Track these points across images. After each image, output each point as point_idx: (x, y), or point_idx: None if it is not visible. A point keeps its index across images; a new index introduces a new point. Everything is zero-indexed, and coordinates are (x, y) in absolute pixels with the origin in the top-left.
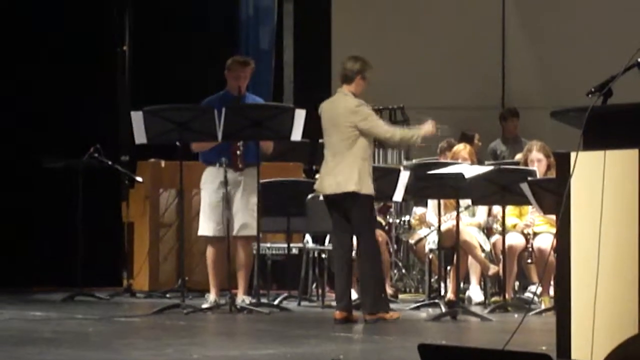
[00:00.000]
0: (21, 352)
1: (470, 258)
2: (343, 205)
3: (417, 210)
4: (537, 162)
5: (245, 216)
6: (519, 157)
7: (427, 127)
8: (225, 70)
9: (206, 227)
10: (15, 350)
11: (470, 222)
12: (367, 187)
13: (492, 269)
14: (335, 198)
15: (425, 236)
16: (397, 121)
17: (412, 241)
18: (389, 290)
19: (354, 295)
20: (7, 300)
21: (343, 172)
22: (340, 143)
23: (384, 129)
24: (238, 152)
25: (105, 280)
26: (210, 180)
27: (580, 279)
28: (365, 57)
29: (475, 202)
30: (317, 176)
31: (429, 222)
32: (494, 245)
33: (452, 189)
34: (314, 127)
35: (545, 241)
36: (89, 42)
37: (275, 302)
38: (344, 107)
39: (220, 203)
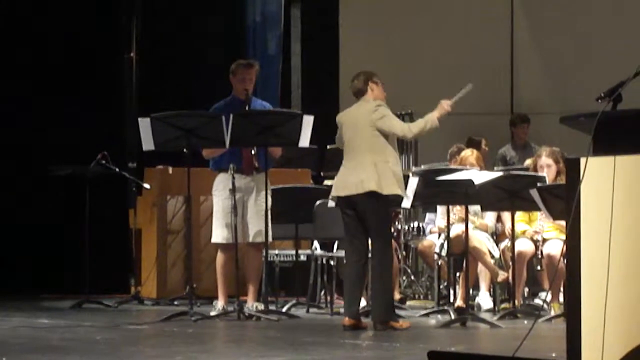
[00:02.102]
0: (29, 359)
1: (479, 264)
2: (361, 206)
3: (438, 222)
4: (547, 167)
5: (260, 223)
6: (528, 162)
7: (441, 109)
8: (230, 75)
9: (220, 234)
10: (23, 357)
11: (480, 221)
12: (389, 188)
13: (502, 275)
14: (354, 199)
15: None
16: None
17: (436, 249)
18: (396, 296)
19: (363, 302)
20: (15, 308)
21: (365, 171)
22: (361, 144)
23: (399, 127)
24: (253, 152)
25: (113, 287)
26: (222, 187)
27: (591, 285)
28: (371, 64)
29: (484, 209)
30: (333, 181)
31: (440, 228)
32: (503, 251)
33: (462, 195)
34: (322, 133)
35: (554, 247)
36: (97, 49)
37: (284, 309)
38: (364, 109)
39: (234, 210)
